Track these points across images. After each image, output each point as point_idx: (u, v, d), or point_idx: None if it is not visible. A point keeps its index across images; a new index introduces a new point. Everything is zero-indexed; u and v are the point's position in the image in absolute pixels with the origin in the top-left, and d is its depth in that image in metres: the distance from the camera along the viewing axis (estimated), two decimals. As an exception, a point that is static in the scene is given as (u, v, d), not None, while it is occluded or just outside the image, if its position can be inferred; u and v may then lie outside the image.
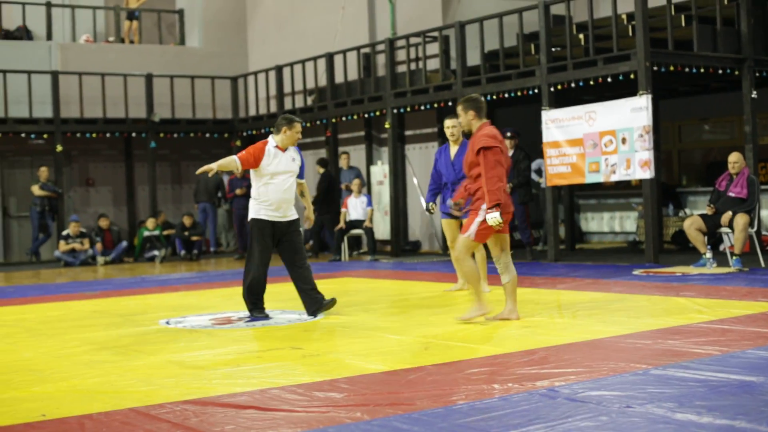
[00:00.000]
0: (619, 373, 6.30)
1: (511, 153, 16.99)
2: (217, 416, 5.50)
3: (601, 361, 6.75)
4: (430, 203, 11.93)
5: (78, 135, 22.38)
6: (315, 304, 10.18)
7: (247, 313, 10.32)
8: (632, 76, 15.06)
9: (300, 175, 10.38)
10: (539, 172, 18.24)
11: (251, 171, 10.16)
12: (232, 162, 9.91)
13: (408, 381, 6.34)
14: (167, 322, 9.94)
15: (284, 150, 10.19)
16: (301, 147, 23.10)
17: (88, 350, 8.34)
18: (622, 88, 16.34)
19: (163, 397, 6.08)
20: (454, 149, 11.73)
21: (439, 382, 6.25)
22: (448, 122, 11.69)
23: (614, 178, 15.30)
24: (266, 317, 10.08)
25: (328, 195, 20.12)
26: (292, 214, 10.25)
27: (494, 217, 8.64)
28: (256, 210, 10.15)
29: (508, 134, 16.70)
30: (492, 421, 5.08)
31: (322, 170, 20.26)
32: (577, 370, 6.45)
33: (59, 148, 21.74)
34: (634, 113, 14.85)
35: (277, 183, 10.08)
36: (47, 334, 9.48)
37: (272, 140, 10.23)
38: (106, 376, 7.05)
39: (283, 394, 6.01)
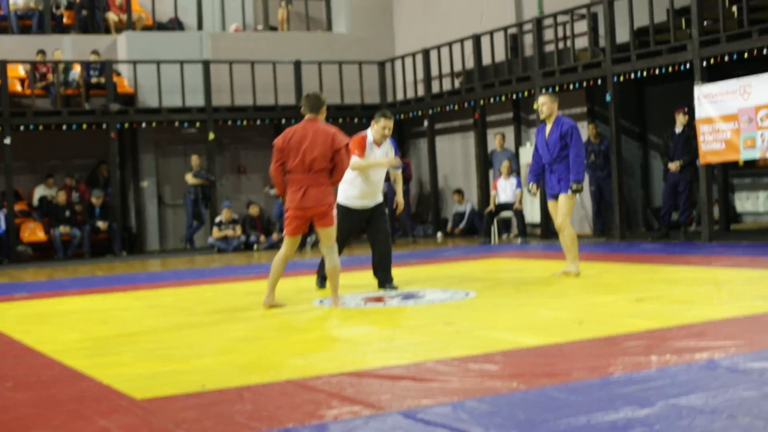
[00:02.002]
0: (782, 345, 6.14)
1: (679, 130, 16.74)
2: (372, 386, 5.54)
3: (762, 335, 6.59)
4: (532, 183, 11.71)
5: (229, 123, 22.76)
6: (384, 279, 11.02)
7: (398, 291, 10.51)
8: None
9: (398, 168, 11.01)
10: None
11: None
12: (363, 163, 10.63)
13: (563, 353, 6.29)
14: (321, 302, 10.04)
15: (379, 144, 10.73)
16: (450, 131, 23.16)
17: (244, 327, 8.50)
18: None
19: (319, 370, 6.15)
20: (548, 128, 11.46)
21: (595, 354, 6.18)
22: (540, 99, 11.50)
23: (771, 153, 14.88)
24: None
25: None
26: (379, 199, 10.92)
27: None
28: (345, 196, 10.78)
29: (683, 110, 16.47)
30: (651, 391, 4.99)
31: None
32: (737, 342, 6.29)
33: (211, 136, 22.16)
34: (791, 86, 14.43)
35: (370, 174, 10.68)
36: (203, 314, 9.68)
37: (369, 134, 10.76)
38: (262, 350, 7.18)
39: (437, 366, 6.01)
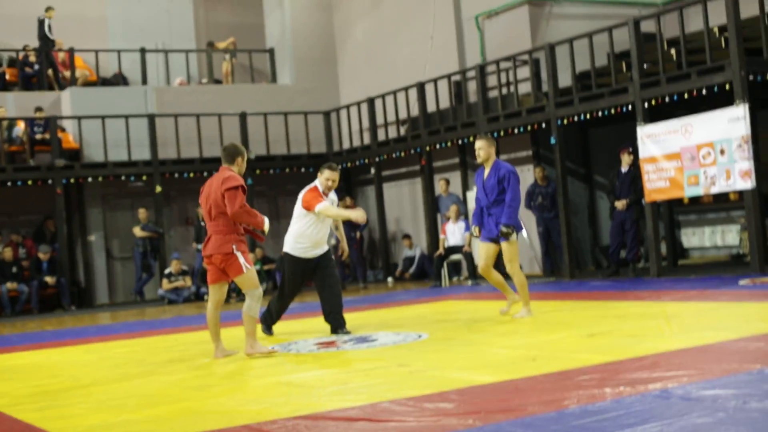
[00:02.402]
0: (732, 373, 6.20)
1: (625, 169, 16.94)
2: (328, 428, 5.53)
3: (713, 364, 6.65)
4: (474, 226, 11.66)
5: (176, 175, 22.73)
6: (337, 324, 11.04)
7: (350, 336, 10.50)
8: (727, 87, 14.87)
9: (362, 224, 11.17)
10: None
11: (302, 211, 10.85)
12: (333, 211, 10.78)
13: (518, 389, 6.31)
14: (273, 348, 9.99)
15: (327, 195, 10.95)
16: (397, 177, 23.27)
17: (197, 376, 8.45)
18: (717, 102, 16.12)
19: (274, 414, 6.12)
20: (486, 172, 11.37)
21: (549, 389, 6.20)
22: (477, 143, 11.40)
23: (714, 190, 15.09)
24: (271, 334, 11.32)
25: None
26: (326, 247, 11.06)
27: None
28: (292, 246, 10.93)
29: (627, 150, 16.71)
30: (606, 422, 5.02)
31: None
32: (689, 372, 6.35)
33: (158, 189, 22.11)
34: (731, 124, 14.67)
35: (324, 224, 10.87)
36: (155, 364, 9.61)
37: (318, 185, 10.95)
38: (217, 397, 7.13)
39: (393, 407, 6.01)
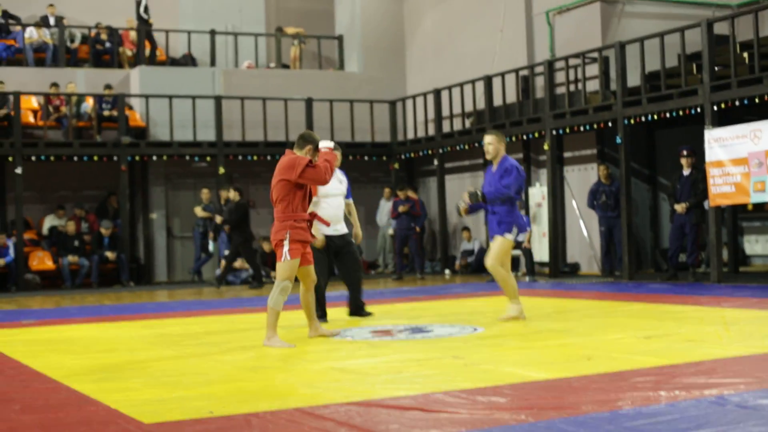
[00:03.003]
0: (791, 383, 6.13)
1: (687, 172, 16.76)
2: (381, 416, 5.53)
3: (771, 373, 6.57)
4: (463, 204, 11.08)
5: (240, 158, 22.84)
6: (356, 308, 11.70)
7: (406, 325, 10.50)
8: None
9: (347, 195, 11.48)
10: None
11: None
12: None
13: (572, 388, 6.28)
14: (329, 333, 10.01)
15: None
16: (460, 170, 23.21)
17: (252, 357, 8.50)
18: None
19: (327, 399, 6.14)
20: (494, 169, 10.92)
21: (603, 389, 6.16)
22: (486, 138, 10.95)
23: (780, 197, 14.89)
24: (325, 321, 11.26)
25: (242, 223, 19.92)
26: (343, 228, 11.37)
27: None
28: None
29: (685, 152, 16.54)
30: (660, 426, 4.98)
31: (237, 198, 19.98)
32: (746, 380, 6.28)
33: (222, 170, 22.24)
34: (801, 131, 14.47)
35: (329, 202, 11.07)
36: (211, 343, 9.67)
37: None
38: (271, 379, 7.17)
39: (446, 398, 6.01)
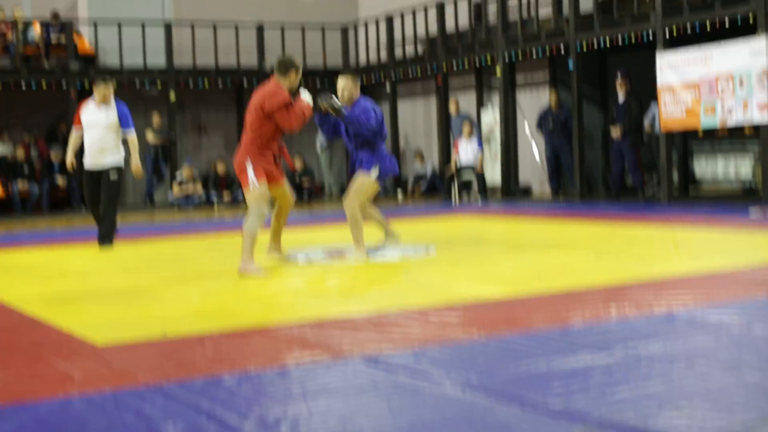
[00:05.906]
0: (738, 300, 6.21)
1: (622, 98, 16.86)
2: (334, 334, 5.55)
3: (719, 289, 6.66)
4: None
5: (191, 84, 22.63)
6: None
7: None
8: (751, 19, 14.69)
9: (125, 125, 12.05)
10: (652, 121, 17.76)
11: None
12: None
13: (523, 305, 6.35)
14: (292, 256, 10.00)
15: (99, 106, 11.93)
16: (412, 94, 23.16)
17: (205, 278, 8.49)
18: (739, 33, 15.94)
19: (280, 319, 6.18)
20: None
21: (554, 306, 6.23)
22: (340, 82, 10.03)
23: (730, 122, 14.98)
24: None
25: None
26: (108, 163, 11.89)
27: None
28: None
29: (619, 77, 16.67)
30: (610, 340, 5.03)
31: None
32: (695, 296, 6.36)
33: (173, 97, 22.05)
34: (752, 56, 14.52)
35: (91, 135, 11.83)
36: (163, 267, 9.65)
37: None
38: (224, 301, 7.20)
39: (398, 317, 6.04)
